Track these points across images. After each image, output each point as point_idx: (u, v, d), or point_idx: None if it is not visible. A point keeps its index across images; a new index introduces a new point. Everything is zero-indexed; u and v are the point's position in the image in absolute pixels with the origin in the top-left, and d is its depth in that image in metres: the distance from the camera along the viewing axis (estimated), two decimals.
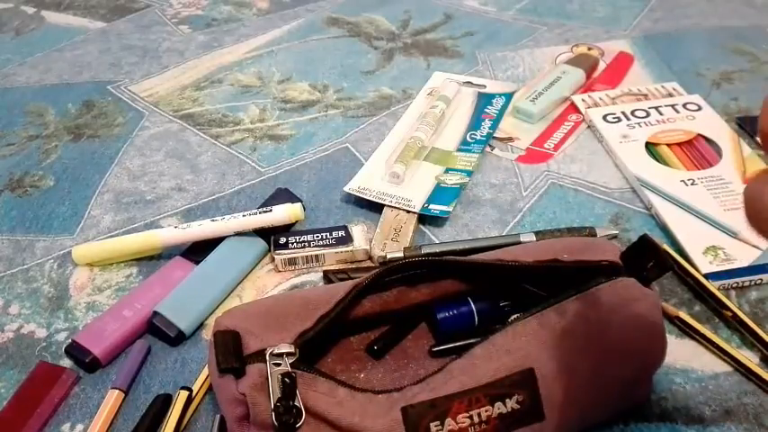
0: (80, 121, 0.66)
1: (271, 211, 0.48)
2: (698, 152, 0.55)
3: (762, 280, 0.44)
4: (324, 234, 0.49)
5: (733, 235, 0.47)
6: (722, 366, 0.40)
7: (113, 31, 0.82)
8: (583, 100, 0.63)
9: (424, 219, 0.52)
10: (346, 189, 0.53)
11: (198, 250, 0.48)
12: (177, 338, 0.43)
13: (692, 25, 0.77)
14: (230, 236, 0.49)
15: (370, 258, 0.48)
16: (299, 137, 0.62)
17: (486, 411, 0.31)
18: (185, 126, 0.64)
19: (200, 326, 0.44)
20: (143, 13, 0.86)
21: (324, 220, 0.52)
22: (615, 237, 0.49)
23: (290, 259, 0.48)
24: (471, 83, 0.67)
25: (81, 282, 0.48)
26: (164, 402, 0.39)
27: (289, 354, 0.32)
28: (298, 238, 0.48)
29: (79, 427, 0.39)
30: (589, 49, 0.73)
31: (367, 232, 0.49)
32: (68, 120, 0.66)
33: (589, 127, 0.61)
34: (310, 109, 0.66)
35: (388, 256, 0.46)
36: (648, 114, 0.60)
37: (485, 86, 0.66)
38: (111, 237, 0.51)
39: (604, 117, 0.60)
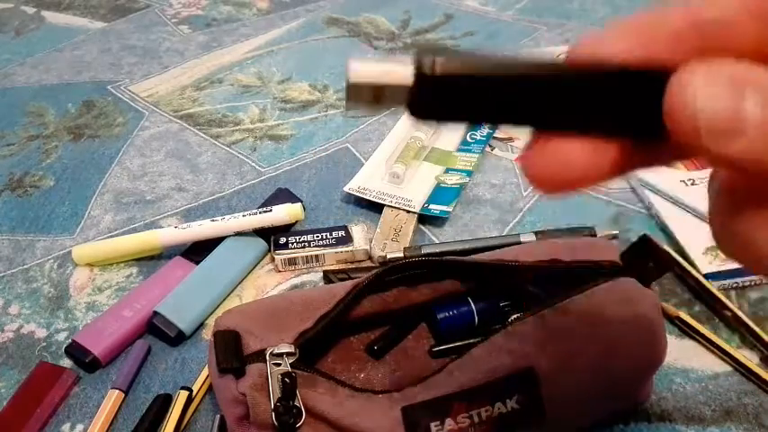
0: (80, 121, 0.66)
1: (271, 211, 0.48)
2: None
3: (762, 280, 0.44)
4: (324, 234, 0.49)
5: None
6: (722, 366, 0.40)
7: (113, 31, 0.82)
8: None
9: (424, 219, 0.52)
10: (346, 189, 0.53)
11: (198, 250, 0.48)
12: (177, 338, 0.43)
13: None
14: (230, 236, 0.49)
15: (370, 258, 0.48)
16: (299, 137, 0.62)
17: (486, 411, 0.31)
18: (185, 126, 0.64)
19: (201, 326, 0.44)
20: (143, 13, 0.86)
21: (324, 220, 0.52)
22: (615, 237, 0.49)
23: (290, 259, 0.48)
24: None
25: (81, 282, 0.48)
26: (164, 402, 0.39)
27: (289, 354, 0.32)
28: (298, 238, 0.48)
29: (79, 427, 0.39)
30: None
31: (367, 232, 0.49)
32: (68, 120, 0.66)
33: None
34: (310, 109, 0.66)
35: (388, 256, 0.46)
36: None
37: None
38: (111, 237, 0.51)
39: None
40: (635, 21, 0.16)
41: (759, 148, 0.14)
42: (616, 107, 0.16)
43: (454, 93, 0.16)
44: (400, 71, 0.15)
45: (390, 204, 0.51)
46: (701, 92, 0.14)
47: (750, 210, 0.16)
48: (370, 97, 0.16)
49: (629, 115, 0.16)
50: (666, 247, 0.46)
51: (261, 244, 0.49)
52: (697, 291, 0.44)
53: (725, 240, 0.17)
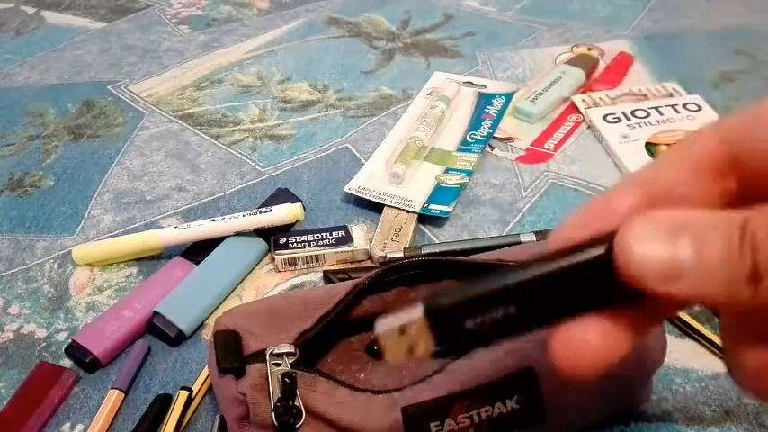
0: (80, 121, 0.66)
1: (271, 211, 0.48)
2: None
3: None
4: (324, 234, 0.49)
5: None
6: (722, 366, 0.40)
7: (113, 31, 0.82)
8: (583, 100, 0.63)
9: (424, 219, 0.52)
10: (346, 189, 0.53)
11: (198, 250, 0.48)
12: (177, 338, 0.43)
13: (692, 25, 0.77)
14: (230, 236, 0.49)
15: (370, 258, 0.49)
16: (299, 137, 0.62)
17: (486, 411, 0.31)
18: (185, 126, 0.64)
19: (201, 326, 0.44)
20: (143, 13, 0.86)
21: (324, 220, 0.52)
22: None
23: (290, 259, 0.48)
24: (471, 83, 0.67)
25: (81, 282, 0.48)
26: (164, 402, 0.39)
27: (289, 354, 0.32)
28: (298, 238, 0.48)
29: (79, 427, 0.39)
30: (589, 49, 0.73)
31: (367, 232, 0.49)
32: (68, 120, 0.66)
33: (589, 127, 0.61)
34: (310, 109, 0.66)
35: (388, 256, 0.46)
36: (648, 115, 0.60)
37: (485, 86, 0.66)
38: (111, 237, 0.51)
39: (604, 117, 0.60)
40: (591, 208, 0.19)
41: (701, 287, 0.16)
42: (591, 285, 0.18)
43: (460, 316, 0.19)
44: (413, 312, 0.19)
45: (390, 204, 0.51)
46: (639, 245, 0.16)
47: (745, 344, 0.18)
48: (403, 349, 0.20)
49: (604, 287, 0.18)
50: None
51: (261, 244, 0.49)
52: None
53: (734, 373, 0.19)
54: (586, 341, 0.18)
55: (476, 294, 0.19)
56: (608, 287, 0.18)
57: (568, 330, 0.19)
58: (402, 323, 0.19)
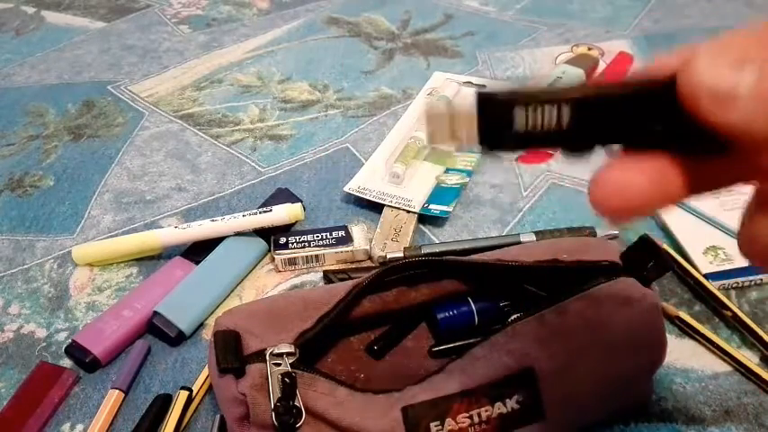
0: (80, 121, 0.66)
1: (271, 211, 0.48)
2: None
3: (762, 280, 0.44)
4: (324, 234, 0.49)
5: (733, 235, 0.47)
6: (722, 366, 0.40)
7: (113, 31, 0.82)
8: None
9: (424, 219, 0.52)
10: (346, 189, 0.53)
11: (198, 250, 0.48)
12: (177, 338, 0.43)
13: (692, 25, 0.77)
14: (230, 236, 0.49)
15: (370, 258, 0.48)
16: (299, 137, 0.62)
17: (486, 411, 0.31)
18: (185, 126, 0.64)
19: (200, 326, 0.44)
20: (143, 13, 0.86)
21: (324, 220, 0.52)
22: (615, 237, 0.49)
23: (290, 259, 0.48)
24: (471, 83, 0.67)
25: (81, 282, 0.48)
26: (164, 402, 0.39)
27: (289, 354, 0.32)
28: (298, 238, 0.48)
29: (79, 427, 0.39)
30: (589, 49, 0.73)
31: (367, 232, 0.49)
32: (68, 120, 0.66)
33: None
34: (310, 109, 0.66)
35: (388, 256, 0.46)
36: None
37: (485, 86, 0.66)
38: (111, 237, 0.51)
39: None
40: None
41: (751, 112, 0.16)
42: (649, 114, 0.18)
43: (510, 113, 0.18)
44: (464, 100, 0.19)
45: (390, 204, 0.51)
46: (706, 66, 0.17)
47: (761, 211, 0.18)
48: (447, 131, 0.19)
49: (662, 122, 0.18)
50: (666, 247, 0.46)
51: (261, 244, 0.49)
52: (697, 291, 0.44)
53: (741, 239, 0.19)
54: (633, 177, 0.18)
55: (533, 92, 0.18)
56: (666, 123, 0.18)
57: (617, 164, 0.19)
58: (451, 109, 0.19)
